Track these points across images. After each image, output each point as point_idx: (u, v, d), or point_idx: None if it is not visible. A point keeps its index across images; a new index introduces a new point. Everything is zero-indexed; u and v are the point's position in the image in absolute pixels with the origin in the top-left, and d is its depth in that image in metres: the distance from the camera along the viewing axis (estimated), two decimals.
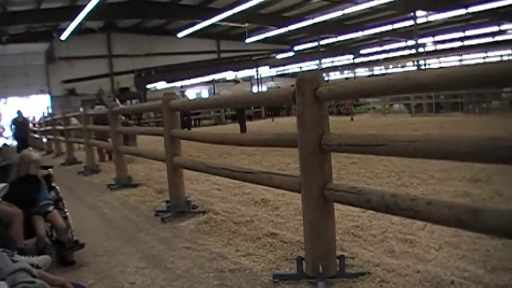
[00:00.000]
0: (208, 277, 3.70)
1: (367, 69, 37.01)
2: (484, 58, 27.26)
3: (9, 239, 3.81)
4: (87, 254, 4.53)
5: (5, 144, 17.56)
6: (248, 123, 18.87)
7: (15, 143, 18.10)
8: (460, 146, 2.34)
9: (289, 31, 33.78)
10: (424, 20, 29.73)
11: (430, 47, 34.71)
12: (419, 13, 27.85)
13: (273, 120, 28.83)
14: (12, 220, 4.02)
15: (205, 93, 37.20)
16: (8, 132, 21.87)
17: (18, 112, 19.25)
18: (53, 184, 5.28)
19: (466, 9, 26.01)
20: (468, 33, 33.04)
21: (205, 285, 3.56)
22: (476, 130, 11.84)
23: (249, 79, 39.32)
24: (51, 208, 4.55)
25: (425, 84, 2.68)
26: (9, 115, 24.28)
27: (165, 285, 3.65)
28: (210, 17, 28.77)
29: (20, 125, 18.79)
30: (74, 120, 14.27)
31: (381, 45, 38.59)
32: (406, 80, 2.75)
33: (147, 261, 4.25)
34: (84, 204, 7.15)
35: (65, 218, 4.60)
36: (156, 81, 35.52)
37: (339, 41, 37.69)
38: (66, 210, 4.84)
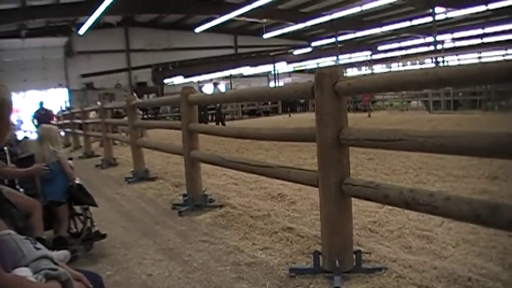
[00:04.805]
0: (225, 270, 3.73)
1: (384, 65, 36.74)
2: (503, 56, 26.82)
3: (30, 228, 3.85)
4: (105, 245, 4.59)
5: (25, 137, 17.75)
6: (265, 119, 19.16)
7: (35, 135, 17.98)
8: (480, 142, 2.33)
9: (307, 27, 33.66)
10: (443, 16, 29.46)
11: (448, 44, 34.36)
12: (438, 9, 27.60)
13: (289, 116, 28.79)
14: (31, 212, 4.07)
15: (222, 88, 37.20)
16: (30, 126, 21.20)
17: (41, 103, 18.45)
18: None
19: (486, 5, 25.73)
20: (487, 30, 32.66)
21: (221, 278, 3.59)
22: (495, 127, 11.70)
23: (266, 75, 39.35)
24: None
25: (445, 79, 2.66)
26: (29, 108, 24.23)
27: (182, 277, 3.68)
28: (228, 12, 28.75)
29: (43, 117, 17.42)
30: (91, 114, 14.38)
31: (399, 42, 38.36)
32: (426, 74, 2.74)
33: (164, 254, 4.29)
34: (102, 197, 7.19)
35: (86, 209, 4.65)
36: (174, 76, 35.73)
37: (356, 37, 37.52)
38: None
